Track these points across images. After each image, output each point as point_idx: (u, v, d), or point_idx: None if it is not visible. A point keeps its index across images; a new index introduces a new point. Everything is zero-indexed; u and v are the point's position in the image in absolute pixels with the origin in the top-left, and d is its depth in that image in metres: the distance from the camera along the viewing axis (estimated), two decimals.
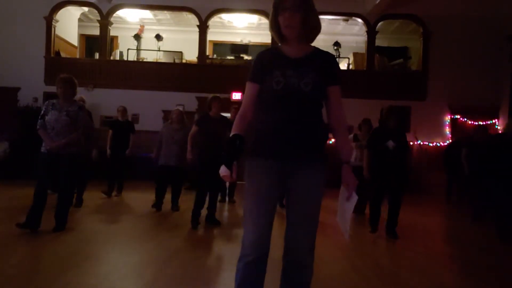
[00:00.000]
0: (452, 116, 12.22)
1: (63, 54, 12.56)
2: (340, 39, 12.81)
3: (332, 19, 12.77)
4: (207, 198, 5.60)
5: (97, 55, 12.68)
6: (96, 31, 12.97)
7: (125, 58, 12.91)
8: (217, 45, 14.57)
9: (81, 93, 8.55)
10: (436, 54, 12.22)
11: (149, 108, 11.78)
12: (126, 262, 3.82)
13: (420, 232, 6.13)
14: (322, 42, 11.28)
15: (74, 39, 13.65)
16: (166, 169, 6.78)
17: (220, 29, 13.87)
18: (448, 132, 12.18)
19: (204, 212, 5.61)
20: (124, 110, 7.99)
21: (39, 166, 4.64)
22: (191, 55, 13.12)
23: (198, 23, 12.44)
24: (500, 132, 10.38)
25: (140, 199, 7.90)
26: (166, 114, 10.81)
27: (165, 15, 13.48)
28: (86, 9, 13.23)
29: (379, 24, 12.44)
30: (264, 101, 2.16)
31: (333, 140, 2.23)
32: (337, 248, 4.70)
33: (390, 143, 5.32)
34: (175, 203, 6.75)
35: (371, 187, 5.60)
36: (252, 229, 2.12)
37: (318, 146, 2.17)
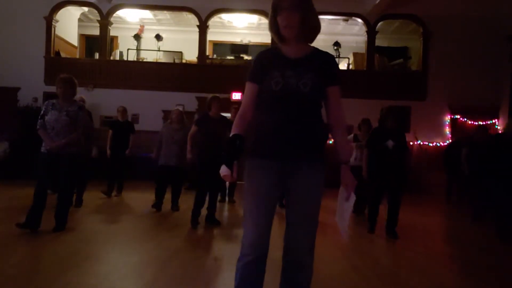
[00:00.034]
0: (452, 116, 12.22)
1: (63, 54, 12.56)
2: (340, 39, 12.81)
3: (332, 19, 12.77)
4: (207, 198, 5.60)
5: (97, 55, 12.68)
6: (96, 31, 12.96)
7: (125, 58, 12.91)
8: (217, 45, 14.57)
9: (81, 93, 8.56)
10: (436, 54, 12.22)
11: (149, 108, 11.78)
12: (126, 262, 3.82)
13: (420, 232, 6.13)
14: (322, 42, 11.29)
15: (74, 39, 13.65)
16: (166, 169, 6.78)
17: (220, 29, 13.87)
18: (448, 132, 12.18)
19: (204, 212, 5.61)
20: (124, 110, 7.99)
21: (39, 166, 4.64)
22: (191, 55, 13.12)
23: (198, 23, 12.44)
24: (500, 132, 10.38)
25: (140, 199, 7.90)
26: (166, 114, 10.81)
27: (165, 15, 13.48)
28: (86, 9, 13.23)
29: (379, 24, 12.44)
30: (264, 101, 2.16)
31: (332, 140, 2.23)
32: (337, 248, 4.70)
33: (390, 143, 5.33)
34: (175, 203, 6.75)
35: (370, 187, 5.60)
36: (252, 229, 2.12)
37: (318, 146, 2.17)
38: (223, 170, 2.06)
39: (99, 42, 12.65)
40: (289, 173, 2.13)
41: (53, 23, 12.16)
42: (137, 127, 8.43)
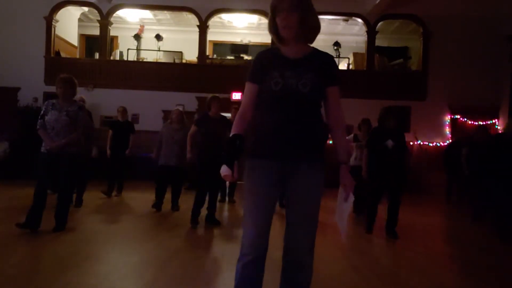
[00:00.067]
0: (452, 116, 12.22)
1: (63, 54, 12.56)
2: (340, 39, 12.82)
3: (332, 19, 12.77)
4: (207, 198, 5.61)
5: (97, 55, 12.68)
6: (96, 31, 12.97)
7: (125, 58, 12.91)
8: (217, 45, 14.57)
9: (81, 93, 8.56)
10: (436, 54, 12.22)
11: (149, 108, 11.78)
12: (126, 262, 3.82)
13: (420, 232, 6.13)
14: (322, 42, 11.29)
15: (74, 39, 13.65)
16: (166, 169, 6.78)
17: (220, 29, 13.88)
18: (448, 132, 12.18)
19: (204, 212, 5.61)
20: (124, 111, 7.99)
21: (39, 166, 4.64)
22: (191, 55, 13.12)
23: (198, 23, 12.45)
24: (500, 132, 10.38)
25: (140, 199, 7.90)
26: (166, 114, 10.81)
27: (165, 15, 13.48)
28: (86, 9, 13.23)
29: (379, 24, 12.44)
30: (264, 101, 2.16)
31: (332, 140, 2.23)
32: (337, 248, 4.70)
33: (389, 143, 5.33)
34: (175, 203, 6.75)
35: (370, 186, 5.60)
36: (251, 228, 2.13)
37: (318, 146, 2.17)
38: (224, 170, 2.06)
39: (99, 42, 12.65)
40: (289, 173, 2.13)
41: (53, 23, 12.17)
42: (137, 127, 8.43)
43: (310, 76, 2.10)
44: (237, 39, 14.19)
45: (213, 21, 12.84)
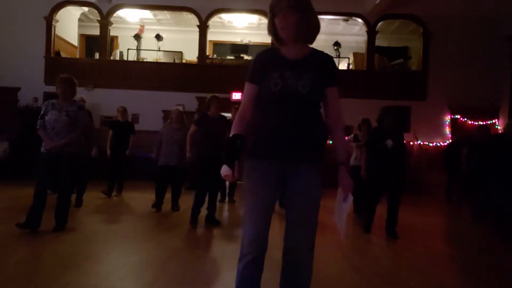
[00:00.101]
0: (452, 116, 12.22)
1: (63, 54, 12.56)
2: (340, 39, 12.82)
3: (332, 19, 12.77)
4: (207, 198, 5.60)
5: (97, 55, 12.68)
6: (96, 31, 12.97)
7: (125, 58, 12.91)
8: (217, 45, 14.57)
9: (81, 93, 8.56)
10: (436, 54, 12.23)
11: (149, 108, 11.79)
12: (126, 262, 3.82)
13: (420, 232, 6.13)
14: (322, 42, 11.29)
15: (74, 39, 13.65)
16: (166, 169, 6.78)
17: (220, 29, 13.88)
18: (448, 132, 12.19)
19: (204, 212, 5.61)
20: (124, 111, 8.00)
21: (39, 166, 4.64)
22: (191, 55, 13.12)
23: (198, 23, 12.45)
24: (500, 132, 10.38)
25: (140, 199, 7.90)
26: (166, 114, 10.81)
27: (165, 15, 13.48)
28: (86, 9, 13.23)
29: (379, 24, 12.44)
30: (263, 102, 2.17)
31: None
32: (337, 248, 4.70)
33: (389, 142, 5.33)
34: (175, 203, 6.75)
35: (370, 186, 5.60)
36: (251, 228, 2.14)
37: (317, 146, 2.18)
38: (224, 170, 2.06)
39: (99, 42, 12.66)
40: (288, 174, 2.14)
41: (53, 23, 12.17)
42: (137, 127, 8.43)
43: (309, 77, 2.10)
44: (237, 39, 14.19)
45: (213, 21, 12.84)
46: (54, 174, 4.69)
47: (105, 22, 12.44)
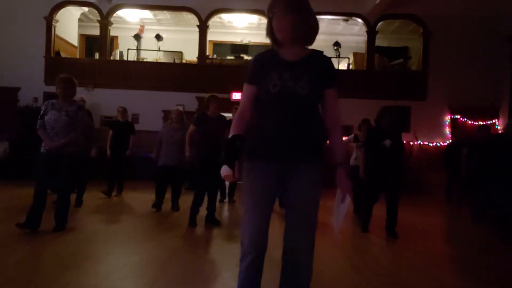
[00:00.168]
0: (452, 116, 12.22)
1: (63, 54, 12.57)
2: (340, 39, 12.81)
3: (332, 19, 12.77)
4: (206, 198, 5.60)
5: (97, 55, 12.69)
6: (96, 31, 12.97)
7: (125, 58, 12.91)
8: (217, 45, 14.57)
9: (81, 93, 8.55)
10: (436, 54, 12.23)
11: (149, 108, 11.79)
12: (126, 262, 3.82)
13: (420, 232, 6.13)
14: (322, 42, 11.29)
15: (74, 39, 13.65)
16: (166, 169, 6.78)
17: (220, 29, 13.88)
18: (448, 132, 12.19)
19: (203, 212, 5.61)
20: (124, 111, 8.00)
21: (39, 166, 4.64)
22: (191, 55, 13.12)
23: (198, 23, 12.45)
24: (500, 132, 10.38)
25: (140, 199, 7.90)
26: (166, 114, 10.82)
27: (165, 15, 13.49)
28: (86, 9, 13.24)
29: (379, 24, 12.44)
30: (262, 103, 2.17)
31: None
32: (337, 248, 4.70)
33: (387, 142, 5.33)
34: (175, 203, 6.75)
35: (368, 186, 5.60)
36: (251, 228, 2.14)
37: (317, 147, 2.18)
38: (224, 171, 2.06)
39: (99, 42, 12.66)
40: (288, 174, 2.14)
41: (53, 23, 12.17)
42: (137, 127, 8.44)
43: (308, 78, 2.10)
44: (237, 39, 14.20)
45: (213, 21, 12.84)
46: (54, 174, 4.69)
47: (105, 22, 12.44)
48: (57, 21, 12.29)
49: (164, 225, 5.70)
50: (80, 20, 13.86)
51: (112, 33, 13.00)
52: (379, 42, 12.82)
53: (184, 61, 13.18)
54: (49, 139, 4.62)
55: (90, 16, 13.74)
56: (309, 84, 2.10)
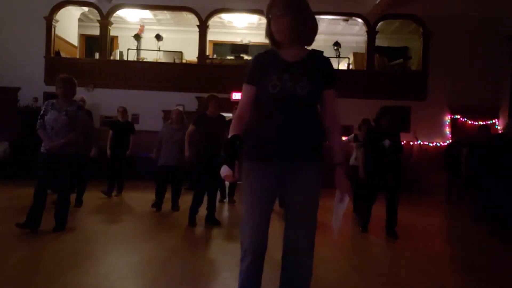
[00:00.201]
0: (452, 116, 12.22)
1: (63, 54, 12.56)
2: (340, 39, 12.81)
3: (332, 19, 12.76)
4: (206, 197, 5.60)
5: (97, 55, 12.68)
6: (96, 31, 12.97)
7: (125, 58, 12.91)
8: (217, 45, 14.57)
9: (81, 93, 8.56)
10: (436, 54, 12.22)
11: (149, 108, 11.78)
12: (126, 262, 3.82)
13: (420, 232, 6.13)
14: (322, 42, 11.30)
15: (74, 39, 13.65)
16: (166, 169, 6.78)
17: (220, 29, 13.88)
18: (448, 132, 12.18)
19: (203, 212, 5.61)
20: (124, 111, 8.00)
21: (39, 166, 4.64)
22: (191, 55, 13.11)
23: (198, 23, 12.45)
24: (500, 132, 10.38)
25: (140, 199, 7.90)
26: (166, 114, 10.82)
27: (165, 15, 13.48)
28: (86, 9, 13.23)
29: (379, 24, 12.44)
30: (261, 104, 2.17)
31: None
32: (337, 248, 4.70)
33: (387, 142, 5.33)
34: (175, 203, 6.75)
35: (367, 186, 5.61)
36: (251, 228, 2.14)
37: (317, 147, 2.18)
38: (224, 171, 2.06)
39: (99, 42, 12.66)
40: (288, 174, 2.14)
41: (53, 23, 12.17)
42: (137, 127, 8.44)
43: (307, 79, 2.11)
44: (237, 39, 14.19)
45: (213, 21, 12.84)
46: (54, 174, 4.69)
47: (105, 22, 12.44)
48: (57, 21, 12.29)
49: (164, 225, 5.70)
50: (80, 20, 13.86)
51: (112, 33, 12.99)
52: (379, 42, 12.82)
53: (184, 61, 13.18)
54: (49, 139, 4.62)
55: (90, 16, 13.74)
56: (308, 85, 2.10)
